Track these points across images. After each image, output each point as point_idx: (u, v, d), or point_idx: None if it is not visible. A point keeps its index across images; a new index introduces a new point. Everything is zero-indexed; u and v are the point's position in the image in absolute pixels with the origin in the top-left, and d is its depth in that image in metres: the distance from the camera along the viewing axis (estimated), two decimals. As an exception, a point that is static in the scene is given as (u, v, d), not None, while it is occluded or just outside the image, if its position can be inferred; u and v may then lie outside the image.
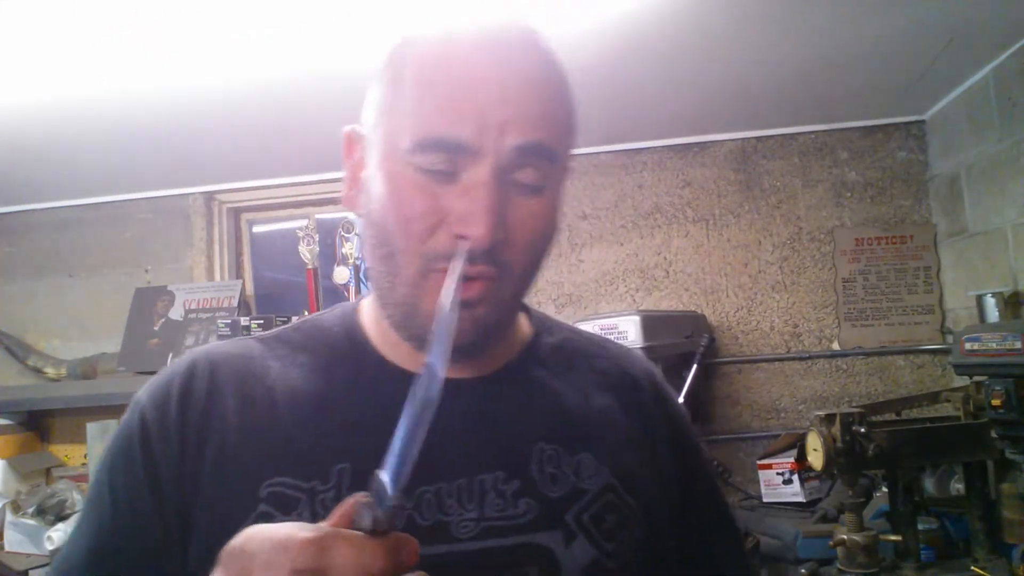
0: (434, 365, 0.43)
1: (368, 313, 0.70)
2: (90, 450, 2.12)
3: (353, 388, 0.65)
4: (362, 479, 0.55)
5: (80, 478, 2.34)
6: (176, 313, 2.57)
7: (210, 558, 0.44)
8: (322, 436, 0.61)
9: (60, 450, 2.62)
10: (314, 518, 0.56)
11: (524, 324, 0.74)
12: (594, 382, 0.71)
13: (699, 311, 2.45)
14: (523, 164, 0.57)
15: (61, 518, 2.07)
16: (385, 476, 0.40)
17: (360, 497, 0.41)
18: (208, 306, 2.55)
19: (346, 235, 2.76)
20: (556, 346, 0.74)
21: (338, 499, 0.55)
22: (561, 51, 0.64)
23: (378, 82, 0.62)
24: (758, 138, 2.51)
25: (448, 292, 0.49)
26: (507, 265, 0.59)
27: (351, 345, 0.68)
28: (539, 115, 0.58)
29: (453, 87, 0.56)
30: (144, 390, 0.66)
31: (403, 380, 0.61)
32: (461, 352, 0.58)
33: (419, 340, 0.61)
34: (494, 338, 0.64)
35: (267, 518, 0.57)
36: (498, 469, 0.62)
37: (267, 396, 0.63)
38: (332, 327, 0.70)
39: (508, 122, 0.56)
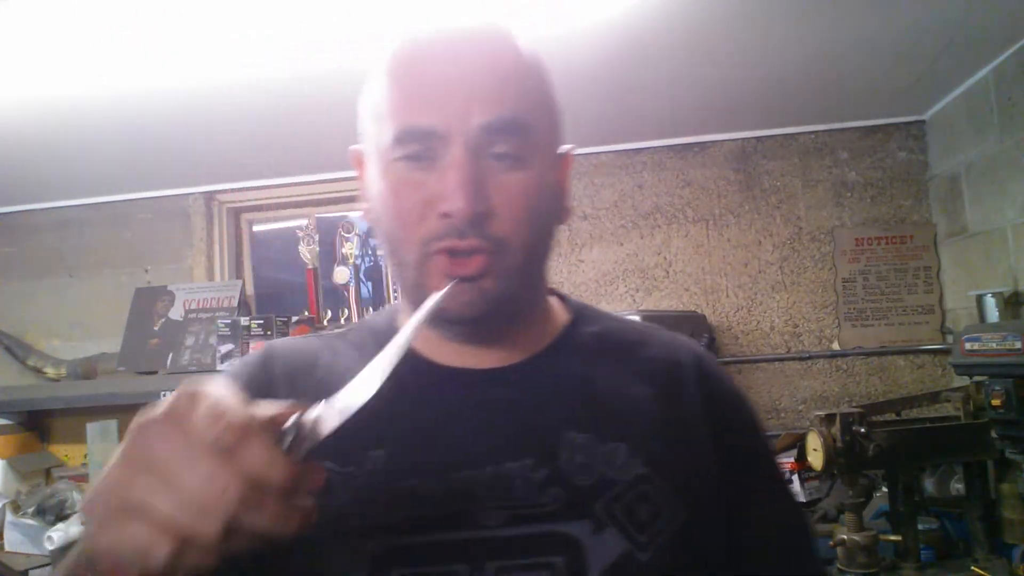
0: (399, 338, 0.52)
1: (403, 310, 0.74)
2: (90, 450, 2.12)
3: (390, 380, 0.66)
4: (394, 465, 0.62)
5: (80, 478, 2.34)
6: (176, 313, 2.57)
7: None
8: (361, 425, 0.62)
9: (60, 450, 2.62)
10: (349, 501, 0.61)
11: (560, 313, 0.75)
12: (635, 371, 0.70)
13: (699, 311, 2.45)
14: (495, 141, 0.61)
15: (61, 518, 2.07)
16: (331, 412, 0.46)
17: (297, 415, 0.45)
18: (208, 306, 2.55)
19: (346, 235, 2.77)
20: (596, 335, 0.74)
21: (369, 484, 0.61)
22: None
23: (365, 94, 0.68)
24: (758, 138, 2.51)
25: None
26: (501, 240, 0.61)
27: (384, 335, 0.71)
28: (501, 93, 0.62)
29: (419, 81, 0.62)
30: (227, 370, 0.74)
31: (431, 372, 0.68)
32: (475, 324, 0.64)
33: (439, 330, 0.67)
34: (508, 313, 0.65)
35: None
36: (526, 457, 0.62)
37: (316, 387, 0.65)
38: (379, 324, 0.75)
39: (471, 103, 0.60)
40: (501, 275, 0.62)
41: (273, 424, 0.44)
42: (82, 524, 0.49)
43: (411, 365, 0.66)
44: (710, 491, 0.66)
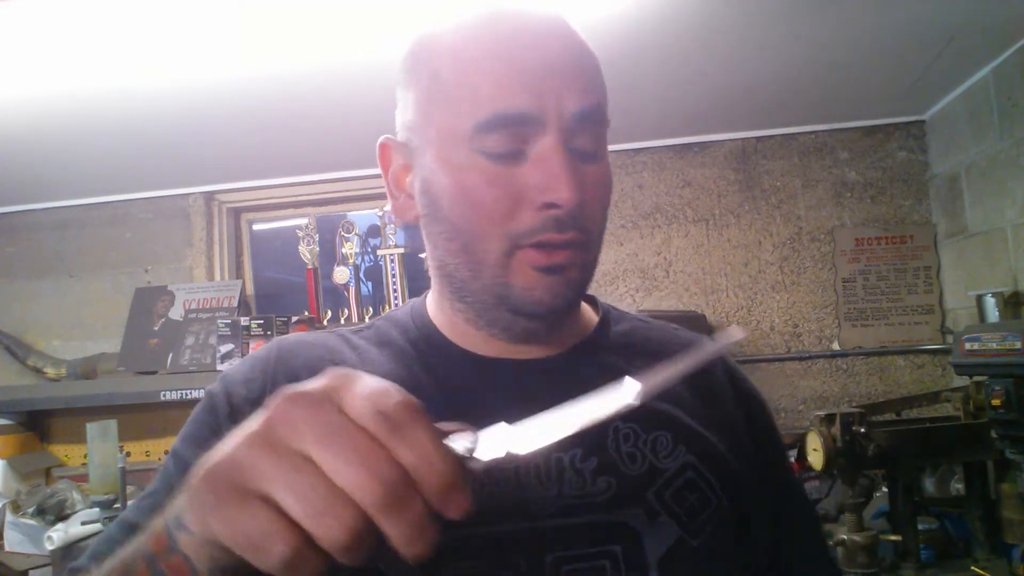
0: (637, 387, 0.43)
1: (434, 306, 0.71)
2: (90, 450, 2.12)
3: (430, 373, 0.66)
4: None
5: (80, 478, 2.34)
6: (176, 313, 2.57)
7: None
8: None
9: (60, 450, 2.62)
10: None
11: (589, 311, 0.76)
12: (641, 363, 0.72)
13: (699, 311, 2.45)
14: (583, 130, 0.59)
15: (61, 518, 2.07)
16: (508, 437, 0.40)
17: (462, 428, 0.41)
18: (208, 306, 2.55)
19: (346, 235, 2.77)
20: (624, 332, 0.75)
21: None
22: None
23: (409, 84, 0.63)
24: (758, 138, 2.51)
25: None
26: (589, 230, 0.61)
27: (422, 334, 0.70)
28: (587, 81, 0.60)
29: (504, 63, 0.57)
30: (229, 370, 0.69)
31: (476, 364, 0.66)
32: (556, 314, 0.63)
33: (502, 325, 0.64)
34: (576, 304, 0.69)
35: None
36: (575, 447, 0.62)
37: None
38: (404, 321, 0.72)
39: (563, 89, 0.58)
40: (583, 267, 0.62)
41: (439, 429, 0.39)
42: (188, 503, 0.44)
43: (451, 359, 0.67)
44: (752, 485, 0.67)
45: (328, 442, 0.36)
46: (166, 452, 0.71)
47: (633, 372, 0.67)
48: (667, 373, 0.44)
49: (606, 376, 0.66)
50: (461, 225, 0.60)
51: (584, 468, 0.61)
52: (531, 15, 0.61)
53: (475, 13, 0.61)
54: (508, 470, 0.61)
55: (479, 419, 0.62)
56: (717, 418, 0.69)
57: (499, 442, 0.40)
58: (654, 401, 0.65)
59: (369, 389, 0.38)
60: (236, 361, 0.72)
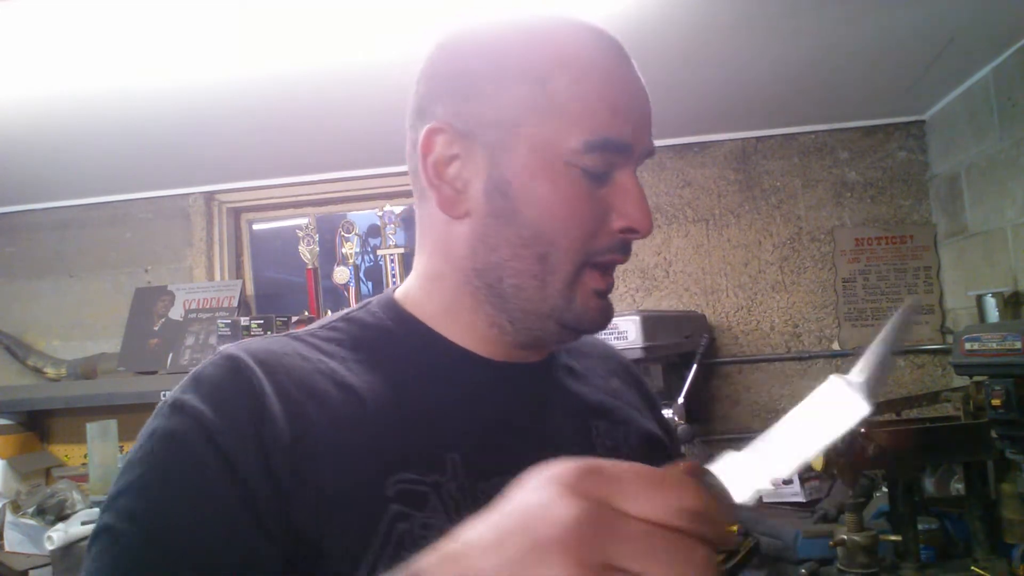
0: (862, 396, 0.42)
1: (420, 303, 0.68)
2: (90, 450, 2.12)
3: (434, 377, 0.64)
4: (472, 467, 0.59)
5: (80, 478, 2.34)
6: (176, 313, 2.57)
7: (321, 559, 0.49)
8: (425, 427, 0.60)
9: (60, 450, 2.62)
10: (445, 511, 0.56)
11: None
12: (603, 367, 0.79)
13: (699, 311, 2.45)
14: (640, 165, 0.65)
15: (61, 518, 2.07)
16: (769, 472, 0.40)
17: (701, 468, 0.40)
18: (208, 306, 2.55)
19: (346, 235, 2.77)
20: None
21: (461, 489, 0.58)
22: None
23: (496, 79, 0.61)
24: (758, 138, 2.51)
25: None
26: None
27: (413, 335, 0.66)
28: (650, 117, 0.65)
29: (616, 92, 0.61)
30: (185, 394, 0.56)
31: (483, 365, 0.66)
32: (594, 332, 0.66)
33: (536, 334, 0.64)
34: None
35: (404, 517, 0.55)
36: (574, 445, 0.66)
37: (345, 393, 0.59)
38: (380, 322, 0.67)
39: (645, 124, 0.63)
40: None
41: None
42: None
43: (455, 361, 0.66)
44: (666, 444, 0.78)
45: (653, 554, 0.34)
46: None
47: (590, 371, 0.75)
48: (872, 365, 0.43)
49: (569, 376, 0.72)
50: (547, 234, 0.60)
51: None
52: (620, 42, 0.64)
53: (573, 25, 0.62)
54: (531, 469, 0.62)
55: (498, 423, 0.64)
56: (642, 406, 0.79)
57: (754, 476, 0.40)
58: (613, 399, 0.74)
59: (643, 481, 0.36)
60: (201, 376, 0.58)
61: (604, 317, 0.64)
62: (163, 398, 0.59)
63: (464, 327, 0.66)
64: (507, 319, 0.64)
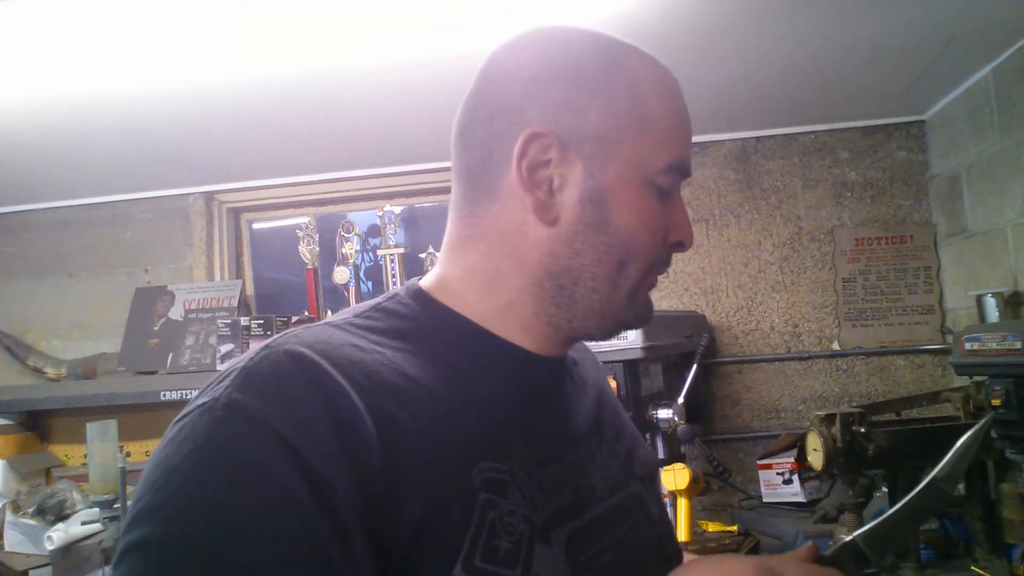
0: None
1: (460, 297, 0.67)
2: (90, 450, 2.12)
3: (485, 368, 0.65)
4: (532, 455, 0.63)
5: (80, 478, 2.34)
6: (176, 313, 2.57)
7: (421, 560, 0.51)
8: (491, 417, 0.62)
9: (60, 450, 2.62)
10: (523, 497, 0.59)
11: None
12: (590, 363, 0.84)
13: (699, 311, 2.45)
14: None
15: (61, 518, 2.07)
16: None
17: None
18: (208, 306, 2.56)
19: (346, 235, 2.77)
20: None
21: (528, 477, 0.61)
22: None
23: (599, 92, 0.63)
24: (758, 138, 2.52)
25: None
26: None
27: (453, 327, 0.66)
28: None
29: (684, 118, 0.69)
30: (250, 402, 0.50)
31: (526, 357, 0.68)
32: (642, 328, 0.78)
33: (591, 332, 0.69)
34: None
35: (492, 505, 0.56)
36: (595, 434, 0.73)
37: (412, 384, 0.58)
38: (416, 314, 0.65)
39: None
40: None
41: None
42: None
43: (504, 355, 0.67)
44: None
45: None
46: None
47: (579, 360, 0.80)
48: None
49: (575, 366, 0.78)
50: (630, 244, 0.65)
51: (604, 451, 0.73)
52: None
53: (640, 50, 0.68)
54: (575, 461, 0.68)
55: (549, 413, 0.70)
56: (606, 383, 0.87)
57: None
58: (606, 393, 0.82)
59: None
60: (262, 380, 0.51)
61: (652, 314, 0.71)
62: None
63: (513, 323, 0.67)
64: (567, 318, 0.67)
